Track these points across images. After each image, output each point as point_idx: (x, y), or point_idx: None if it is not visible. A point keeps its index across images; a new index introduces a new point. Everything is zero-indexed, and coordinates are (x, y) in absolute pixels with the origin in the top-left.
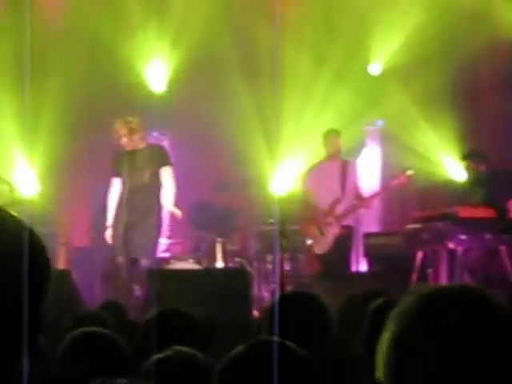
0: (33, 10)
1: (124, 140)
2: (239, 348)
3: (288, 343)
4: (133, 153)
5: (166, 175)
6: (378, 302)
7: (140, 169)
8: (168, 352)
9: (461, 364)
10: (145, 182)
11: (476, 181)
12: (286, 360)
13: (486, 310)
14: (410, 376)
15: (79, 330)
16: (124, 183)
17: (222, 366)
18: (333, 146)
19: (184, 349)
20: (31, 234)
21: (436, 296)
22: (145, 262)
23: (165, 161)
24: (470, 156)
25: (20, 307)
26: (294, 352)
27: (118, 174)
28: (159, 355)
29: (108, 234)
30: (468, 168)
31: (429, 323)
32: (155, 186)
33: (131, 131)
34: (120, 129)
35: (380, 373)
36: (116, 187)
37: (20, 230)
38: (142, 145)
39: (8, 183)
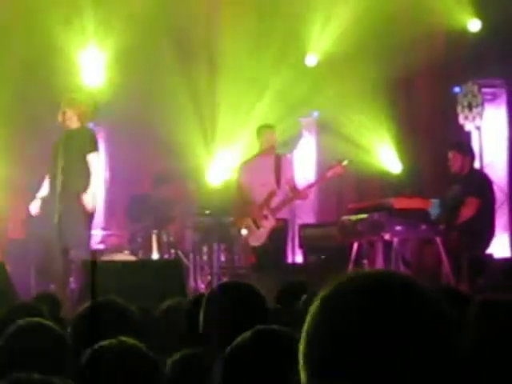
0: None
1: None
2: (244, 336)
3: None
4: (68, 134)
5: (95, 162)
6: (308, 294)
7: (67, 151)
8: (112, 341)
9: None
10: (72, 165)
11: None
12: (287, 346)
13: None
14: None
15: (21, 321)
16: (57, 164)
17: (227, 353)
18: (267, 142)
19: (127, 339)
20: None
21: (334, 295)
22: (74, 253)
23: (94, 146)
24: (459, 146)
25: None
26: (293, 338)
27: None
28: (101, 344)
29: (34, 205)
30: (454, 158)
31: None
32: (82, 170)
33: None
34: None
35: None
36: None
37: None
38: (75, 125)
39: None
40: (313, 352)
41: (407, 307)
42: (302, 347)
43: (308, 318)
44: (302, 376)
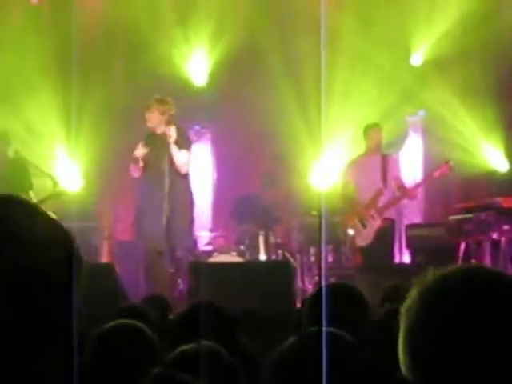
0: (72, 8)
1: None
2: (291, 339)
3: (337, 332)
4: (163, 136)
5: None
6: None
7: (165, 153)
8: (193, 345)
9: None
10: (173, 166)
11: None
12: (337, 349)
13: (488, 288)
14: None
15: (110, 323)
16: (154, 165)
17: (274, 356)
18: (373, 141)
19: (208, 343)
20: (59, 229)
21: (435, 286)
22: (182, 254)
23: (186, 145)
24: None
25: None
26: (345, 340)
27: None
28: (184, 347)
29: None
30: None
31: (432, 314)
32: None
33: (163, 113)
34: (153, 107)
35: (403, 369)
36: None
37: (50, 226)
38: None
39: (51, 177)
40: (416, 346)
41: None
42: (403, 342)
43: (407, 313)
44: (404, 370)
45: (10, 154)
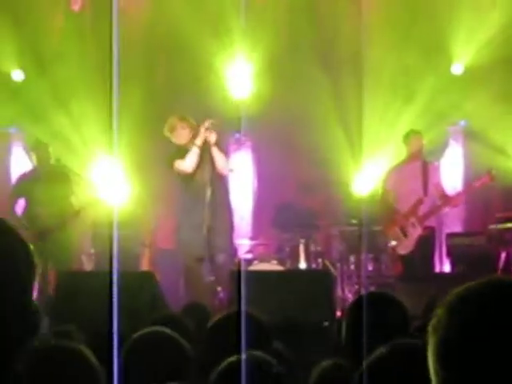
0: (114, 16)
1: (176, 133)
2: (380, 350)
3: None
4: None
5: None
6: None
7: (207, 163)
8: (241, 356)
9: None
10: (214, 177)
11: None
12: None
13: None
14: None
15: (142, 331)
16: (196, 176)
17: (365, 367)
18: (415, 147)
19: (258, 353)
20: (12, 234)
21: (456, 301)
22: (221, 258)
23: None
24: None
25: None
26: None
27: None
28: (232, 358)
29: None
30: None
31: (455, 329)
32: (223, 181)
33: (192, 127)
34: (174, 122)
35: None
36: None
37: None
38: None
39: (92, 185)
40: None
41: None
42: (434, 350)
43: (440, 321)
44: (435, 380)
45: (52, 162)
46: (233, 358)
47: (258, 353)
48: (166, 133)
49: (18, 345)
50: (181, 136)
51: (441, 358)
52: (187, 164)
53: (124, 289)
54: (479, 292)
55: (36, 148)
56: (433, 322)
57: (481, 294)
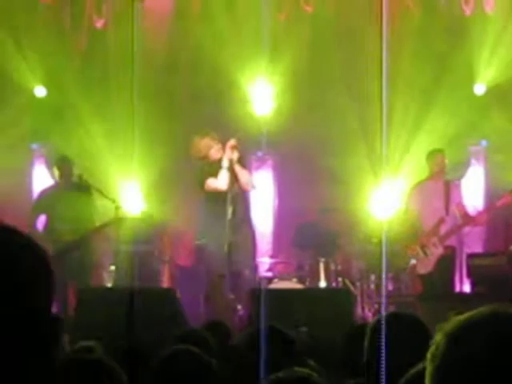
0: (139, 33)
1: (212, 151)
2: (419, 366)
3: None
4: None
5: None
6: None
7: (234, 180)
8: (287, 373)
9: None
10: (237, 193)
11: None
12: None
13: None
14: None
15: (174, 347)
16: (221, 195)
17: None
18: (437, 166)
19: (303, 370)
20: (31, 249)
21: (459, 331)
22: (242, 276)
23: (245, 165)
24: None
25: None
26: None
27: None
28: (278, 374)
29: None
30: None
31: (458, 360)
32: (245, 198)
33: (217, 143)
34: (209, 141)
35: None
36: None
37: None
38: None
39: (114, 201)
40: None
41: None
42: (431, 378)
43: (439, 349)
44: None
45: (74, 178)
46: (281, 374)
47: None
48: (201, 152)
49: (31, 352)
50: (216, 154)
51: None
52: (221, 182)
53: (145, 305)
54: (482, 323)
55: (59, 163)
56: (432, 349)
57: (483, 326)
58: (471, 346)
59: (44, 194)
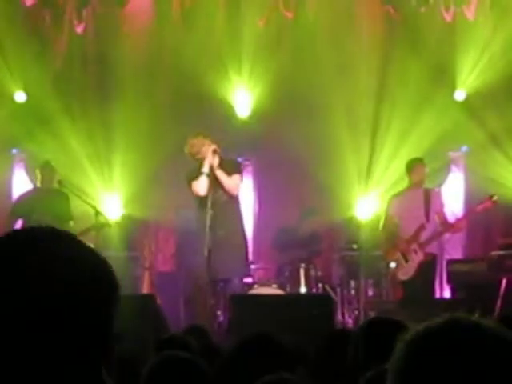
0: (119, 38)
1: (205, 148)
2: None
3: None
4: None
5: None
6: None
7: (217, 185)
8: (273, 377)
9: None
10: (224, 198)
11: None
12: None
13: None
14: None
15: (164, 353)
16: (202, 200)
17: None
18: (418, 175)
19: (288, 375)
20: (103, 263)
21: (418, 339)
22: (236, 282)
23: (237, 169)
24: None
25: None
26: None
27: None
28: (265, 378)
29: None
30: None
31: (416, 368)
32: (234, 203)
33: (209, 141)
34: (202, 139)
35: None
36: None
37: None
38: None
39: (94, 208)
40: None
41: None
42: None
43: (394, 360)
44: None
45: (54, 184)
46: (269, 377)
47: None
48: (194, 147)
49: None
50: (198, 151)
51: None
52: (199, 188)
53: (125, 311)
54: (439, 331)
55: (42, 168)
56: (392, 357)
57: (441, 334)
58: (429, 353)
59: (23, 197)
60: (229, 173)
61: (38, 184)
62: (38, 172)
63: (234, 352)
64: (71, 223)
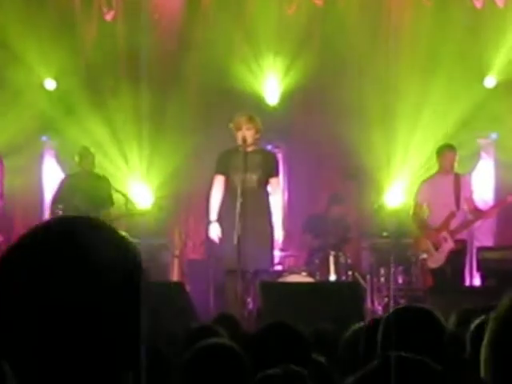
0: (149, 26)
1: (241, 134)
2: (373, 363)
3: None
4: (244, 153)
5: (276, 185)
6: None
7: (249, 171)
8: (276, 370)
9: None
10: (253, 186)
11: None
12: (421, 376)
13: None
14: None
15: (204, 342)
16: (231, 183)
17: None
18: (448, 161)
19: (292, 367)
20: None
21: None
22: (253, 274)
23: (275, 171)
24: None
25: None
26: (429, 367)
27: (223, 172)
28: (268, 371)
29: (213, 231)
30: None
31: None
32: (264, 192)
33: (253, 128)
34: (244, 123)
35: (484, 373)
36: (219, 185)
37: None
38: (253, 147)
39: (124, 195)
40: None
41: None
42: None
43: (496, 320)
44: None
45: (95, 169)
46: (270, 371)
47: (297, 368)
48: (237, 124)
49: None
50: (246, 136)
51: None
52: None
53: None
54: None
55: (82, 152)
56: (493, 317)
57: None
58: None
59: (64, 182)
60: (269, 174)
61: (77, 169)
62: (77, 156)
63: (252, 340)
64: (112, 209)
